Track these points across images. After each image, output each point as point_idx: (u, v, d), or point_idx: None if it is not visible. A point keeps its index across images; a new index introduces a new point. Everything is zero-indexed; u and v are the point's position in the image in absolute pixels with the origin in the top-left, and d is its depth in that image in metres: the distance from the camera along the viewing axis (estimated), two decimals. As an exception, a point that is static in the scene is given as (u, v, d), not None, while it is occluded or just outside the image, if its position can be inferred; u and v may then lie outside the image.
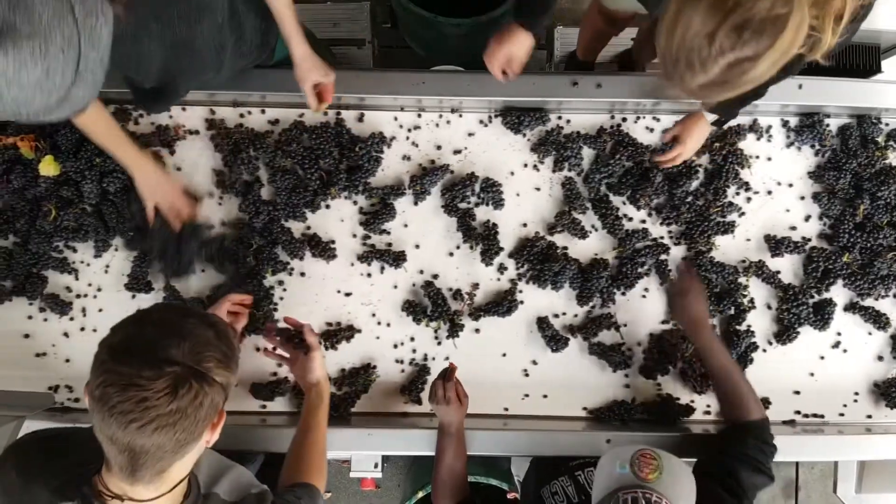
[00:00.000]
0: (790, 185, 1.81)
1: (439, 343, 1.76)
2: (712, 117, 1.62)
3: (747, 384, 1.53)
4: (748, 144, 1.79)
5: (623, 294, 1.76)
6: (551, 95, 1.73)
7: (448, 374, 1.59)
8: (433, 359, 1.76)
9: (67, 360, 1.72)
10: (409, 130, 1.78)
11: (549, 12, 1.54)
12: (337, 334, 1.74)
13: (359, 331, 1.75)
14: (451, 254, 1.78)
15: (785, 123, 1.82)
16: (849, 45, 1.91)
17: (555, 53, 2.36)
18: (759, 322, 1.77)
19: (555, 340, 1.72)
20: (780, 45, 0.90)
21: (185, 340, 0.93)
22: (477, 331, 1.76)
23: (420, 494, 2.17)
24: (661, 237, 1.77)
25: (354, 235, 1.76)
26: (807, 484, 2.93)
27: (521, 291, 1.76)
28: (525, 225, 1.77)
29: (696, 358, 1.67)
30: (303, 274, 1.75)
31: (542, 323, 1.75)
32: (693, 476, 1.21)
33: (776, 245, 1.77)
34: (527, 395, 1.75)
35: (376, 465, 1.83)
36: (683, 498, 1.16)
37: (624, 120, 1.79)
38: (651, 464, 1.17)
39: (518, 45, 1.55)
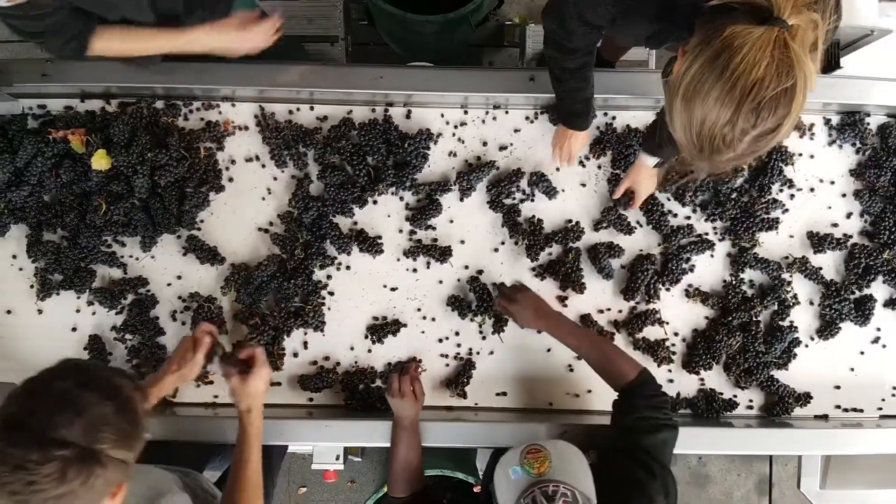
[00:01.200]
0: (832, 183, 1.82)
1: (484, 338, 1.78)
2: (653, 160, 1.64)
3: (613, 348, 1.53)
4: (792, 142, 1.81)
5: (668, 290, 1.78)
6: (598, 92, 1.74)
7: (405, 368, 1.65)
8: (478, 353, 1.78)
9: (110, 354, 1.74)
10: (456, 127, 1.79)
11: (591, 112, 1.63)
12: (383, 328, 1.75)
13: (404, 325, 1.77)
14: (496, 249, 1.79)
15: (827, 122, 1.83)
16: None
17: (526, 51, 2.37)
18: (803, 317, 1.79)
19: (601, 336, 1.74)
20: (797, 108, 0.93)
21: (79, 417, 0.89)
22: (522, 326, 1.78)
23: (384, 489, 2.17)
24: (706, 233, 1.79)
25: (401, 231, 1.78)
26: (780, 481, 2.94)
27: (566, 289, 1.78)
28: (570, 221, 1.79)
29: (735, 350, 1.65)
30: (349, 268, 1.77)
31: (586, 320, 1.77)
32: (578, 448, 1.24)
33: (819, 242, 1.79)
34: (575, 395, 1.77)
35: (338, 458, 1.85)
36: (579, 475, 1.19)
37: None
38: (539, 456, 1.20)
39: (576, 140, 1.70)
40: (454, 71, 1.78)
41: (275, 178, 1.76)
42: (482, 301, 1.75)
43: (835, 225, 1.82)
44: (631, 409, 1.42)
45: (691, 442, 1.65)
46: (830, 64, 1.93)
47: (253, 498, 1.33)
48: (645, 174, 1.67)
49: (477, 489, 2.13)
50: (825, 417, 1.79)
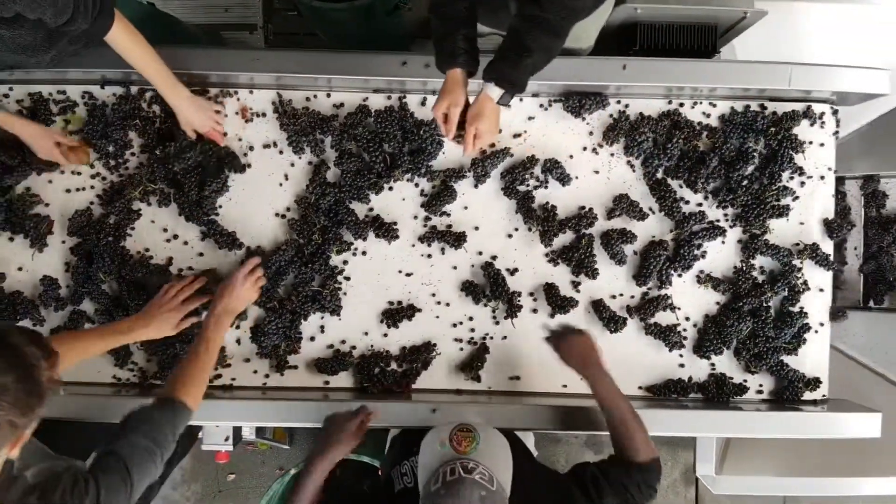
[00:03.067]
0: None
1: (497, 323, 1.81)
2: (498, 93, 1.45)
3: (638, 426, 1.48)
4: (802, 130, 1.83)
5: (680, 276, 1.80)
6: (609, 80, 1.76)
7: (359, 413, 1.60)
8: (491, 338, 1.80)
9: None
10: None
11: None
12: (398, 313, 1.78)
13: (419, 310, 1.79)
14: (510, 235, 1.82)
15: (835, 112, 1.85)
16: (687, 25, 1.97)
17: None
18: (812, 303, 1.81)
19: (613, 321, 1.77)
20: None
21: None
22: (535, 311, 1.81)
23: (293, 471, 2.12)
24: (718, 220, 1.81)
25: (416, 217, 1.80)
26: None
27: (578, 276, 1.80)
28: (583, 207, 1.81)
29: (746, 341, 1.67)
30: (365, 254, 1.79)
31: (599, 305, 1.80)
32: (507, 442, 1.28)
33: (829, 229, 1.81)
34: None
35: (227, 439, 1.88)
36: (500, 464, 1.24)
37: (681, 105, 1.83)
38: (467, 437, 1.25)
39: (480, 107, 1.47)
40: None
41: (292, 165, 1.79)
42: (496, 286, 1.78)
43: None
44: (626, 476, 1.42)
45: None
46: (709, 48, 1.97)
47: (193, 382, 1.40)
48: (488, 109, 1.46)
49: (382, 471, 2.14)
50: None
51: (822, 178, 1.84)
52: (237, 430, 2.21)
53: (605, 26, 1.82)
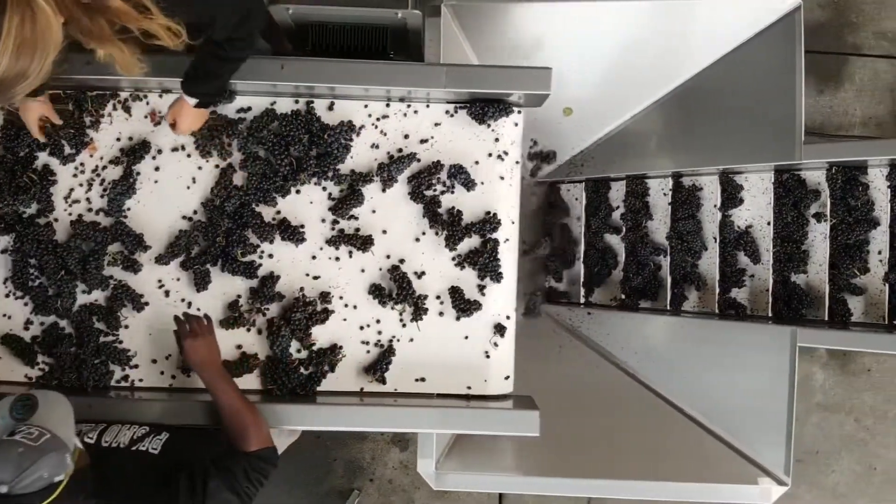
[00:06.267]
0: None
1: (404, 325, 1.83)
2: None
3: (256, 420, 1.56)
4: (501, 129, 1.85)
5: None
6: (268, 78, 1.75)
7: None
8: (398, 340, 1.83)
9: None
10: (378, 119, 1.84)
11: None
12: (309, 317, 1.79)
13: (324, 312, 1.81)
14: (418, 239, 1.84)
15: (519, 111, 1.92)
16: (355, 26, 2.03)
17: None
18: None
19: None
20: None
21: None
22: (441, 314, 1.83)
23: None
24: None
25: (323, 220, 1.83)
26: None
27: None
28: (489, 212, 1.84)
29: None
30: (272, 256, 1.81)
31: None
32: (68, 402, 1.33)
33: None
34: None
35: None
36: (60, 421, 1.28)
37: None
38: (28, 404, 1.27)
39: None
40: (368, 65, 1.84)
41: (199, 168, 1.81)
42: (402, 289, 1.80)
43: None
44: (233, 461, 1.48)
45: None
46: (382, 49, 2.04)
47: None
48: (186, 111, 1.65)
49: None
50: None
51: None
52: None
53: (284, 26, 1.91)
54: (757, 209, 2.31)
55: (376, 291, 1.81)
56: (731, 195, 2.32)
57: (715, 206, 2.31)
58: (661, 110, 2.30)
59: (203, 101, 1.64)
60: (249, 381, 1.80)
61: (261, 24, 1.57)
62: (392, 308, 1.82)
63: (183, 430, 1.59)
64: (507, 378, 1.84)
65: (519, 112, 1.85)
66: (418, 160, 1.84)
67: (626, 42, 2.24)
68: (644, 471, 2.03)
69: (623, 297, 2.41)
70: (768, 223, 2.27)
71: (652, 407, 2.13)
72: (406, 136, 1.85)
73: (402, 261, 1.83)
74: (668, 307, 2.33)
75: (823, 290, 2.21)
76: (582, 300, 2.45)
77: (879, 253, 2.20)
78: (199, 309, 1.79)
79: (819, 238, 2.24)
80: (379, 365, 1.81)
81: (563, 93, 2.02)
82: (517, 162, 1.86)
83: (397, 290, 1.81)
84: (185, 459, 1.46)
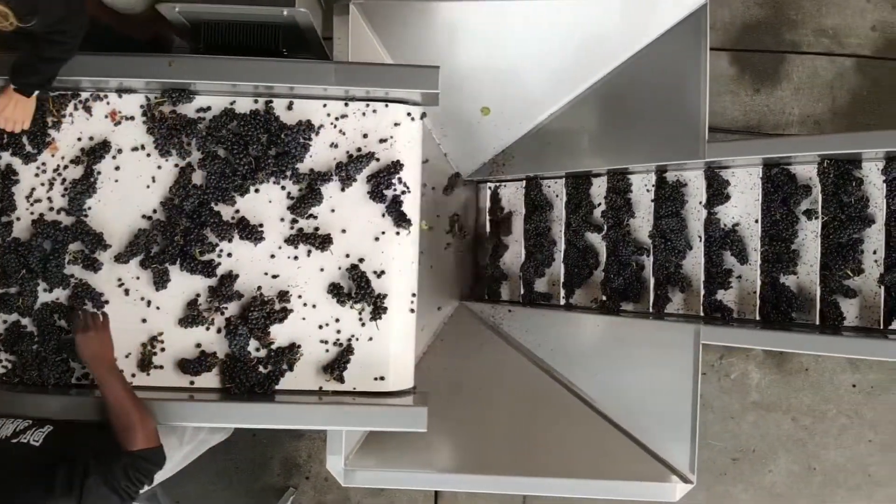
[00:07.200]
0: None
1: (363, 324, 1.83)
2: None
3: (143, 419, 1.55)
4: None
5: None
6: (154, 76, 1.77)
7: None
8: (357, 339, 1.83)
9: None
10: (337, 119, 1.84)
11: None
12: (268, 316, 1.80)
13: (283, 311, 1.81)
14: (377, 238, 1.84)
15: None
16: (246, 24, 1.99)
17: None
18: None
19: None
20: None
21: None
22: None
23: None
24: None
25: (282, 219, 1.83)
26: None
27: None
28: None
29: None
30: (231, 255, 1.82)
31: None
32: None
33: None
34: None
35: None
36: None
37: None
38: None
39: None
40: (326, 65, 1.84)
41: (159, 167, 1.82)
42: (362, 289, 1.80)
43: None
44: (116, 459, 1.47)
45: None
46: (276, 47, 2.01)
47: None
48: (13, 101, 1.69)
49: None
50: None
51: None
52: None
53: (178, 25, 1.94)
54: (744, 206, 2.21)
55: (335, 290, 1.81)
56: (718, 191, 2.22)
57: (700, 202, 2.22)
58: (580, 108, 2.26)
59: (23, 89, 1.68)
60: (208, 380, 1.81)
61: (80, 27, 1.61)
62: (351, 307, 1.82)
63: (69, 425, 1.60)
64: (405, 374, 1.86)
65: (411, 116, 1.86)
66: (377, 160, 1.84)
67: (541, 40, 2.20)
68: (559, 468, 2.03)
69: (604, 298, 2.35)
70: (756, 221, 2.17)
71: (567, 404, 2.12)
72: (365, 136, 1.84)
73: (361, 260, 1.83)
74: (651, 309, 2.27)
75: (814, 293, 2.11)
76: (562, 301, 2.41)
77: (874, 253, 2.08)
78: (158, 308, 1.80)
79: (810, 237, 2.14)
80: (338, 364, 1.81)
81: (480, 92, 2.04)
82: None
83: (356, 289, 1.81)
84: (68, 454, 1.46)
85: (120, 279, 1.80)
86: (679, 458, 2.03)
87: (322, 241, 1.81)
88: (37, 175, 1.81)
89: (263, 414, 1.76)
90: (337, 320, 1.83)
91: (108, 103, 1.82)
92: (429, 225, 2.05)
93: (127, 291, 1.81)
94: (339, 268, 1.83)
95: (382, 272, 1.83)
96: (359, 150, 1.84)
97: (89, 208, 1.81)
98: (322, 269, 1.83)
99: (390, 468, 2.04)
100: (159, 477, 1.59)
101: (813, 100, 2.84)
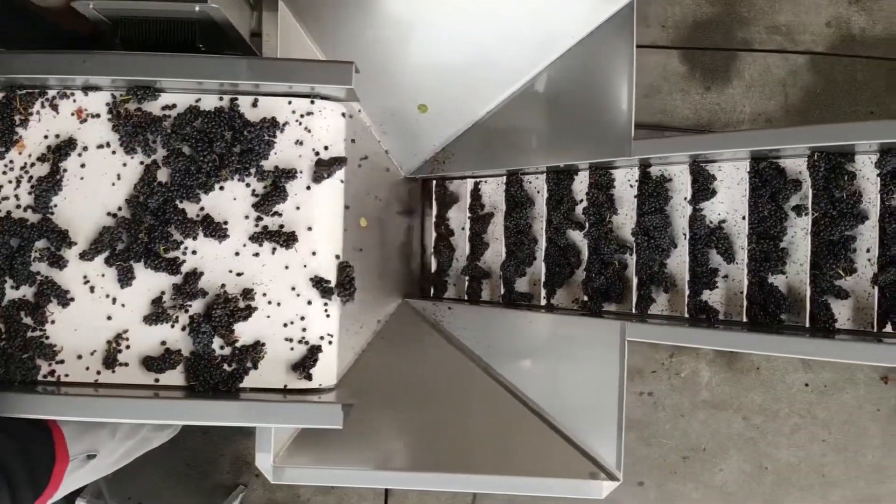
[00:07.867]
0: None
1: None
2: None
3: None
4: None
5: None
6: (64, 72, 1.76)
7: None
8: (321, 337, 1.81)
9: None
10: (302, 116, 1.83)
11: None
12: (231, 314, 1.79)
13: (247, 309, 1.80)
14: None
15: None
16: (162, 20, 1.97)
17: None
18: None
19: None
20: None
21: None
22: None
23: None
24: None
25: (247, 217, 1.82)
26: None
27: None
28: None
29: None
30: (195, 253, 1.81)
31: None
32: None
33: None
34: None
35: None
36: None
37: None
38: None
39: None
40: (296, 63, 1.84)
41: (124, 165, 1.82)
42: (328, 286, 1.79)
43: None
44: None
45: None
46: (191, 42, 1.99)
47: None
48: None
49: None
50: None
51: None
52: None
53: (96, 21, 1.91)
54: (731, 202, 2.14)
55: (301, 288, 1.81)
56: (703, 186, 2.15)
57: (685, 198, 2.15)
58: (518, 105, 2.22)
59: None
60: (173, 377, 1.80)
61: None
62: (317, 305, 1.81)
63: None
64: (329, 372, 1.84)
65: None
66: (344, 157, 1.83)
67: (474, 37, 2.18)
68: (498, 465, 2.01)
69: (585, 298, 2.32)
70: (743, 217, 2.10)
71: (503, 402, 2.09)
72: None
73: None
74: (634, 310, 2.20)
75: (804, 293, 2.03)
76: (543, 301, 2.38)
77: (868, 251, 1.99)
78: (123, 305, 1.80)
79: (799, 234, 2.06)
80: (305, 362, 1.80)
81: (416, 90, 2.02)
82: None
83: (323, 286, 1.80)
84: None
85: (85, 276, 1.81)
86: (607, 455, 2.03)
87: (287, 239, 1.80)
88: (4, 173, 1.81)
89: (176, 411, 1.77)
90: (302, 318, 1.82)
91: (74, 101, 1.82)
92: (366, 222, 2.03)
93: (92, 289, 1.81)
94: (305, 265, 1.82)
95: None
96: (325, 147, 1.83)
97: (55, 206, 1.81)
98: (287, 267, 1.82)
99: (327, 466, 2.03)
100: (99, 472, 1.58)
101: (765, 97, 2.80)
